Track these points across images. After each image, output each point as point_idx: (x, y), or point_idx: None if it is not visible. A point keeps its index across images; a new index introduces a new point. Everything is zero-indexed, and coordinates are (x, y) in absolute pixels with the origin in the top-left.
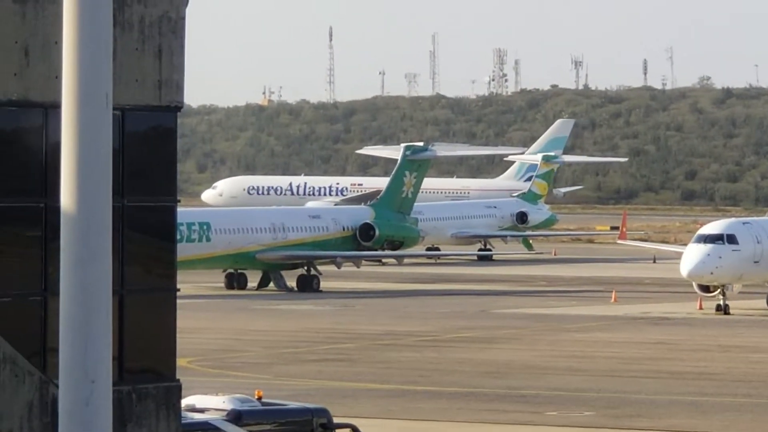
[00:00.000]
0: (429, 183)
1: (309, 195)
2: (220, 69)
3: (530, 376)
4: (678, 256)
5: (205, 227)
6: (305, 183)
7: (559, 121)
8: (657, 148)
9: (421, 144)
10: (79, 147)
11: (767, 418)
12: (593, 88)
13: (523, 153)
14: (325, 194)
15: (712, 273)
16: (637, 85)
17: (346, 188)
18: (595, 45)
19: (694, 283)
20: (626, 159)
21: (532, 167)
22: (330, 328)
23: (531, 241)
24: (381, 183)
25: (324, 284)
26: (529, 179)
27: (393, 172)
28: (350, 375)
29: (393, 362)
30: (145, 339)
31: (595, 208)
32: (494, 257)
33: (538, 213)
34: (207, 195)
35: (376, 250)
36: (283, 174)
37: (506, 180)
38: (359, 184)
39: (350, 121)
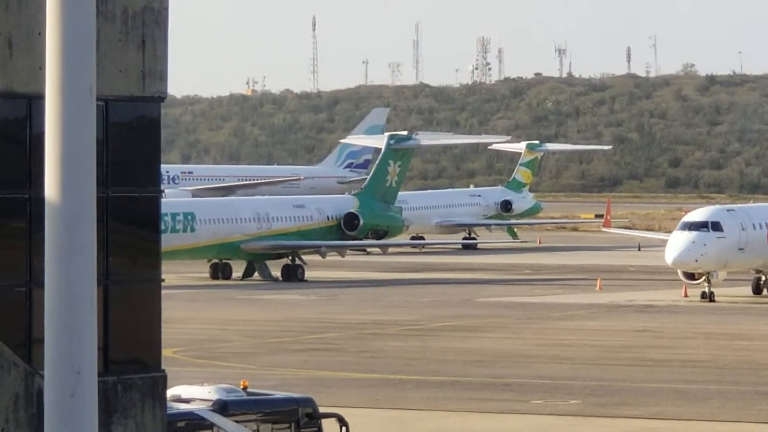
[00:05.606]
0: (255, 171)
1: None
2: (203, 59)
3: (516, 365)
4: (663, 243)
5: (189, 217)
6: None
7: (374, 109)
8: (641, 135)
9: (404, 133)
10: (64, 138)
11: (753, 406)
12: (577, 76)
13: (507, 141)
14: None
15: (696, 260)
16: (621, 72)
17: (177, 176)
18: (578, 33)
19: (678, 271)
20: (610, 147)
21: (352, 154)
22: (315, 318)
23: (515, 230)
24: (210, 171)
25: (309, 274)
26: (348, 166)
27: (377, 162)
28: (335, 364)
29: (378, 351)
30: (130, 330)
31: (579, 196)
32: (479, 246)
33: (523, 201)
34: None
35: (360, 239)
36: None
37: (328, 166)
38: (189, 172)
39: (334, 110)
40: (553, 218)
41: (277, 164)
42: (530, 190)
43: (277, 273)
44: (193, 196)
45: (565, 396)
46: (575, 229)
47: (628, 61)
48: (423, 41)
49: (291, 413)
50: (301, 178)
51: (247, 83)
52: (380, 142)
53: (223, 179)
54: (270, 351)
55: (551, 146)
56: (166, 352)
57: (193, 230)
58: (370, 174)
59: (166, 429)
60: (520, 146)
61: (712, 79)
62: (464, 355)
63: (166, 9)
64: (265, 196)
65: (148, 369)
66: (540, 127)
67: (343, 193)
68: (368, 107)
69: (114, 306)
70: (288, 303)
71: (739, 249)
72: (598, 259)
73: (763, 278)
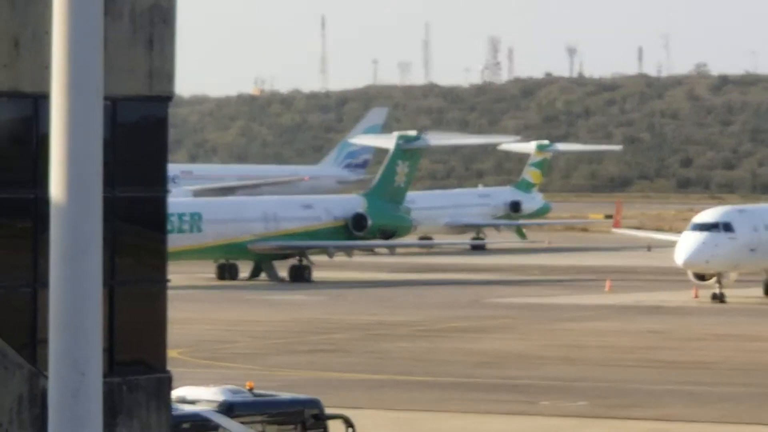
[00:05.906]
0: (254, 170)
1: None
2: (211, 58)
3: (524, 366)
4: (673, 244)
5: (196, 218)
6: None
7: (373, 109)
8: (652, 135)
9: (414, 133)
10: (70, 138)
11: (763, 408)
12: (588, 76)
13: (516, 141)
14: None
15: (707, 261)
16: (632, 72)
17: (177, 176)
18: (589, 32)
19: (689, 272)
20: (621, 147)
21: (351, 154)
22: (322, 319)
23: (524, 230)
24: (210, 171)
25: (316, 274)
26: (347, 166)
27: (386, 162)
28: (342, 365)
29: (385, 352)
30: (135, 330)
31: (589, 197)
32: (487, 246)
33: (532, 202)
34: None
35: (368, 239)
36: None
37: (328, 166)
38: (189, 172)
39: (343, 110)
40: (563, 219)
41: (277, 165)
42: (540, 191)
43: (284, 273)
44: (194, 196)
45: (573, 397)
46: (585, 230)
47: (640, 61)
48: (433, 41)
49: (297, 414)
50: (306, 179)
51: (255, 83)
52: (388, 142)
53: (223, 179)
54: (276, 352)
55: (561, 146)
56: (171, 353)
57: (199, 230)
58: (379, 174)
59: (171, 430)
60: (530, 146)
61: (724, 79)
62: (472, 356)
63: (174, 7)
64: (273, 196)
65: (154, 370)
66: (550, 127)
67: (345, 193)
68: (377, 107)
69: (119, 307)
70: (295, 303)
71: (751, 250)
72: (607, 259)
73: None
